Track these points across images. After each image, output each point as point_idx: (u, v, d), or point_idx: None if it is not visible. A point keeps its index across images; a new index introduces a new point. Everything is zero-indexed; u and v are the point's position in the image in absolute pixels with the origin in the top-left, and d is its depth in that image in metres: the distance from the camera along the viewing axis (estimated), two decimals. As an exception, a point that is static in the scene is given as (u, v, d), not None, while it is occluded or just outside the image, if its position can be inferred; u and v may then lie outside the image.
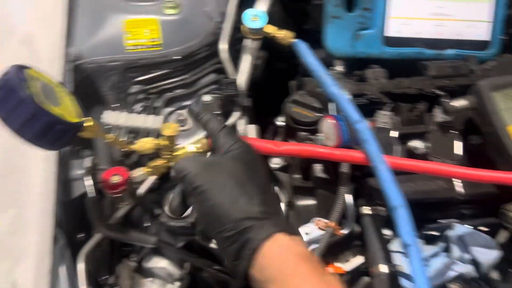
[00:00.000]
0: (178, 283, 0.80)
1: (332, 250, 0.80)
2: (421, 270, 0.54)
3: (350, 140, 0.73)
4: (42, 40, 0.77)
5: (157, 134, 0.76)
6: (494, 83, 0.75)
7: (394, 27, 0.90)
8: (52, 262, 0.68)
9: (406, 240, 0.57)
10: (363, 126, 0.70)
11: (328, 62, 0.93)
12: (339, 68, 0.91)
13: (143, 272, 0.82)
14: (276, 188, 0.90)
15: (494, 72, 0.83)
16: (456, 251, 0.69)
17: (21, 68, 0.51)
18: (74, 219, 0.78)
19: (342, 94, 0.74)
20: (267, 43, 0.90)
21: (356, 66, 0.93)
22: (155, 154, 0.71)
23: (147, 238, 0.73)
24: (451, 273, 0.69)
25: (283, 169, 0.88)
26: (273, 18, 0.99)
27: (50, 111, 0.50)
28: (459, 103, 0.76)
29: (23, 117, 0.48)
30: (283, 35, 0.81)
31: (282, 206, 0.87)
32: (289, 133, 0.85)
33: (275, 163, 0.88)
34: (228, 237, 0.48)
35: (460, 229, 0.72)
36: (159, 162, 0.71)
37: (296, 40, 0.81)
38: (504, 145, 0.71)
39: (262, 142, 0.74)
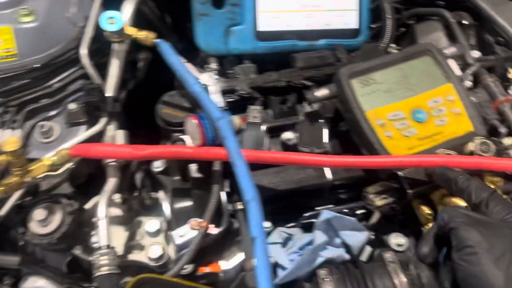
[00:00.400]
0: (56, 302, 0.77)
1: (216, 249, 0.80)
2: (265, 264, 0.55)
3: (215, 138, 0.73)
4: None
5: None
6: (352, 70, 0.77)
7: (265, 21, 0.91)
8: None
9: (253, 233, 0.57)
10: (223, 123, 0.69)
11: (204, 61, 0.94)
12: (213, 65, 0.90)
13: (18, 294, 0.78)
14: (160, 193, 0.89)
15: (359, 59, 0.85)
16: (320, 237, 0.70)
17: None
18: None
19: (203, 93, 0.73)
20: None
21: (234, 63, 0.94)
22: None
23: (9, 259, 0.70)
24: (319, 259, 0.71)
25: (164, 171, 0.87)
26: (145, 18, 0.98)
27: None
28: (320, 92, 0.77)
29: None
30: (145, 36, 0.79)
31: (167, 210, 0.86)
32: (164, 135, 0.84)
33: (156, 166, 0.87)
34: None
35: (325, 215, 0.73)
36: (12, 179, 0.68)
37: (158, 40, 0.80)
38: (363, 130, 0.73)
39: (123, 147, 0.72)
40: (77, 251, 0.79)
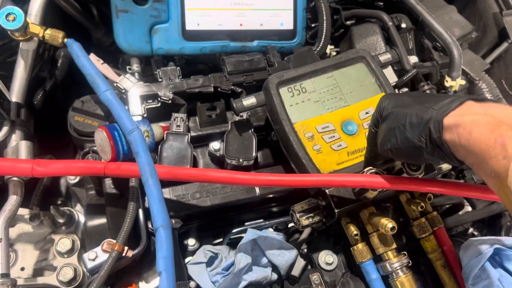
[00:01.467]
0: None
1: (135, 269, 0.74)
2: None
3: (129, 152, 0.66)
4: None
5: None
6: (282, 78, 0.72)
7: (194, 19, 0.84)
8: None
9: (159, 267, 0.51)
10: (135, 136, 0.62)
11: (125, 61, 0.86)
12: (135, 67, 0.83)
13: None
14: (78, 206, 0.81)
15: (291, 64, 0.80)
16: (242, 260, 0.65)
17: None
18: None
19: (115, 101, 0.66)
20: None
21: (161, 63, 0.86)
22: None
23: None
24: (243, 283, 0.66)
25: (80, 183, 0.80)
26: (63, 12, 0.88)
27: None
28: (247, 101, 0.72)
29: None
30: (50, 35, 0.70)
31: (80, 225, 0.79)
32: (78, 144, 0.76)
33: (72, 178, 0.79)
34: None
35: (249, 235, 0.68)
36: None
37: (69, 40, 0.71)
38: (291, 142, 0.68)
39: (20, 163, 0.64)
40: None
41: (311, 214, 0.65)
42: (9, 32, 0.70)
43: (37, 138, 0.80)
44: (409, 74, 0.84)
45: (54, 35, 0.71)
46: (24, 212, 0.77)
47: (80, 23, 0.97)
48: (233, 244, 0.75)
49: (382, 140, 0.56)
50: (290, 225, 0.81)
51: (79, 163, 0.64)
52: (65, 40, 0.71)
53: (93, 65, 0.69)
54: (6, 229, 0.64)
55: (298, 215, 0.65)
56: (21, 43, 0.75)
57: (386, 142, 0.55)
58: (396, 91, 0.84)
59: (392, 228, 0.60)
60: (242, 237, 0.73)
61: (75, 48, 0.71)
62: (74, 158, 0.96)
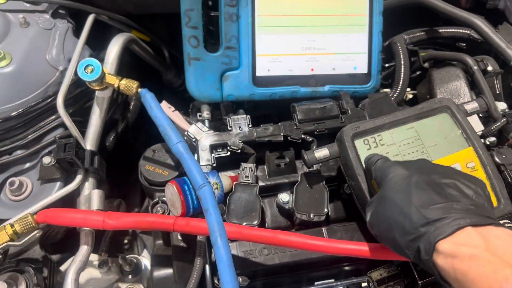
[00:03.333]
0: None
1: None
2: None
3: (198, 206, 0.64)
4: None
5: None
6: (357, 130, 0.67)
7: (264, 66, 0.83)
8: None
9: None
10: (205, 192, 0.61)
11: (196, 108, 0.86)
12: (206, 114, 0.82)
13: None
14: (145, 252, 0.81)
15: (366, 112, 0.76)
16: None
17: None
18: None
19: (186, 154, 0.65)
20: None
21: (231, 109, 0.86)
22: None
23: None
24: None
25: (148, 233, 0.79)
26: (137, 57, 0.91)
27: None
28: (320, 153, 0.68)
29: None
30: (125, 86, 0.71)
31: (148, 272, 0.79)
32: (147, 194, 0.76)
33: (140, 225, 0.79)
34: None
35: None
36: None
37: (142, 90, 0.72)
38: (367, 200, 0.63)
39: (92, 215, 0.64)
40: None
41: (391, 283, 0.60)
42: (86, 82, 0.72)
43: (107, 178, 0.82)
44: (498, 124, 0.76)
45: (129, 86, 0.71)
46: (93, 258, 0.78)
47: (149, 67, 1.00)
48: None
49: (370, 220, 0.55)
50: (363, 285, 0.75)
51: (149, 217, 0.64)
52: (139, 90, 0.72)
53: (165, 116, 0.69)
54: (76, 281, 0.65)
55: (375, 283, 0.60)
56: (97, 92, 0.78)
57: (373, 225, 0.55)
58: (482, 141, 0.76)
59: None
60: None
61: (149, 99, 0.71)
62: (141, 198, 0.97)
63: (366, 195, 0.64)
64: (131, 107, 0.94)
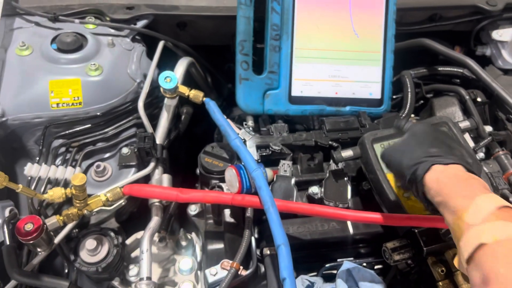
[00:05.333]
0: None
1: (242, 290, 0.87)
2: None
3: (250, 187, 0.82)
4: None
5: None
6: (375, 136, 0.86)
7: (298, 88, 1.02)
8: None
9: (283, 274, 0.65)
10: (258, 174, 0.79)
11: (242, 118, 1.05)
12: (250, 123, 1.01)
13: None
14: (193, 234, 0.97)
15: (380, 126, 0.95)
16: (341, 284, 0.77)
17: None
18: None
19: (242, 146, 0.83)
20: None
21: (268, 122, 1.04)
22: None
23: (60, 283, 0.77)
24: (340, 306, 0.77)
25: (200, 214, 0.96)
26: (193, 78, 1.11)
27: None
28: (346, 153, 0.87)
29: None
30: (194, 94, 0.91)
31: (198, 250, 0.94)
32: (203, 181, 0.93)
33: (193, 210, 0.96)
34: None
35: (346, 265, 0.80)
36: (71, 210, 0.77)
37: (206, 99, 0.91)
38: (385, 189, 0.81)
39: (169, 190, 0.81)
40: (115, 283, 0.87)
41: (402, 251, 0.77)
42: (162, 90, 0.92)
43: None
44: (485, 141, 0.95)
45: (197, 95, 0.91)
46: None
47: (199, 88, 1.20)
48: (325, 277, 0.87)
49: (384, 151, 0.78)
50: (376, 267, 0.91)
51: (213, 193, 0.81)
52: (204, 99, 0.92)
53: (225, 119, 0.88)
54: (150, 243, 0.81)
55: (390, 250, 0.77)
56: (166, 99, 0.97)
57: (386, 154, 0.77)
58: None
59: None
60: (334, 273, 0.85)
61: (212, 105, 0.90)
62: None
63: (383, 185, 0.81)
64: (182, 119, 1.13)
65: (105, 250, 0.81)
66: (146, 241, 0.80)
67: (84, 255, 0.80)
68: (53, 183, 0.85)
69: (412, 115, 1.12)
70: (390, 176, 0.82)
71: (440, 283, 0.75)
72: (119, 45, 1.00)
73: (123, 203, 0.83)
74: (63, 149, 0.90)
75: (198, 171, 0.99)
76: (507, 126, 1.00)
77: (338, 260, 0.88)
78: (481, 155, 0.98)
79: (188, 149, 1.15)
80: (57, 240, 0.80)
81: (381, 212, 0.77)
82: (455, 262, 0.73)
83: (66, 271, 0.88)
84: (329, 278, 0.87)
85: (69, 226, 0.82)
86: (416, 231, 0.76)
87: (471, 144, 0.97)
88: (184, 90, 0.91)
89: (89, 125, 0.92)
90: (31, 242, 0.74)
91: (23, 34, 0.98)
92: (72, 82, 0.91)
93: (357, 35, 1.03)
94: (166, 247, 0.93)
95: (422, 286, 0.85)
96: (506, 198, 0.88)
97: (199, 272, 0.92)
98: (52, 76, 0.91)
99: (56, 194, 0.72)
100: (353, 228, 0.86)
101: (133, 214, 0.96)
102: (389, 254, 0.76)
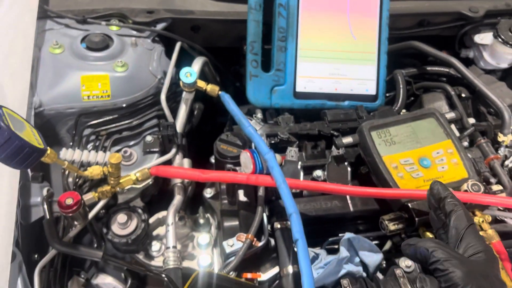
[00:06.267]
0: (122, 295, 0.93)
1: (253, 261, 0.97)
2: (306, 258, 0.72)
3: (262, 169, 0.92)
4: (11, 90, 0.93)
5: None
6: (372, 125, 0.98)
7: (302, 84, 1.14)
8: (10, 274, 0.80)
9: (295, 236, 0.75)
10: (270, 157, 0.89)
11: (251, 111, 1.16)
12: (259, 115, 1.12)
13: (91, 287, 0.94)
14: (208, 215, 1.07)
15: (376, 118, 1.07)
16: (344, 251, 0.87)
17: None
18: (30, 241, 0.91)
19: (255, 133, 0.94)
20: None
21: (274, 115, 1.16)
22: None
23: (95, 253, 0.86)
24: (342, 271, 0.87)
25: (215, 197, 1.06)
26: (206, 76, 1.22)
27: (21, 137, 0.66)
28: (346, 140, 0.98)
29: (0, 141, 0.64)
30: (210, 88, 1.02)
31: (213, 229, 1.04)
32: (219, 166, 1.04)
33: (208, 192, 1.06)
34: None
35: (348, 235, 0.91)
36: (105, 188, 0.87)
37: (221, 92, 1.02)
38: (381, 170, 0.92)
39: (191, 171, 0.92)
40: (140, 256, 0.96)
41: (397, 222, 0.88)
42: (182, 84, 1.02)
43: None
44: (468, 130, 1.07)
45: (213, 88, 1.02)
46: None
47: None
48: (328, 251, 0.98)
49: None
50: (373, 242, 1.02)
51: (230, 174, 0.92)
52: (220, 92, 1.03)
53: (239, 110, 0.99)
54: (174, 217, 0.91)
55: (386, 221, 0.88)
56: (184, 93, 1.07)
57: None
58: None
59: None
60: (336, 248, 0.96)
61: (227, 98, 1.01)
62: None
63: (379, 166, 0.93)
64: (195, 114, 1.24)
65: (134, 224, 0.91)
66: (171, 216, 0.91)
67: (116, 228, 0.90)
68: (85, 166, 0.95)
69: (404, 110, 1.24)
70: (385, 159, 0.94)
71: (430, 249, 0.86)
72: (141, 45, 1.11)
73: (150, 183, 0.93)
74: (93, 137, 1.00)
75: (212, 159, 1.10)
76: (488, 118, 1.13)
77: (340, 234, 0.99)
78: (465, 143, 1.10)
79: (198, 143, 1.25)
80: (91, 215, 0.90)
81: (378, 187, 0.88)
82: None
83: (95, 246, 0.98)
84: (332, 252, 0.98)
85: (101, 204, 0.92)
86: (409, 204, 0.87)
87: (457, 133, 1.09)
88: (202, 84, 1.02)
89: (116, 116, 1.02)
90: (71, 215, 0.83)
91: (54, 34, 1.09)
92: (101, 77, 1.01)
93: (354, 37, 1.15)
94: (185, 226, 1.02)
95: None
96: (487, 180, 1.00)
97: (214, 249, 1.02)
98: (83, 72, 1.01)
99: (95, 171, 0.82)
100: (352, 206, 0.97)
101: (154, 198, 1.07)
102: (386, 224, 0.87)
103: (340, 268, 0.88)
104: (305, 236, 0.95)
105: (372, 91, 1.17)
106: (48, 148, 0.74)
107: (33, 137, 0.71)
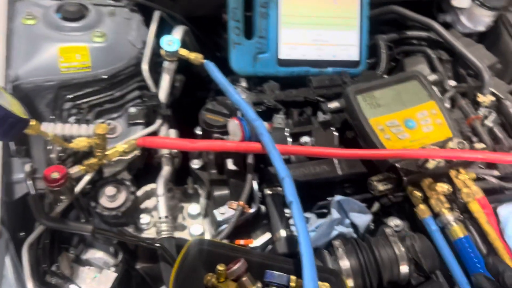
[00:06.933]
0: (113, 268, 0.92)
1: (245, 229, 0.97)
2: (302, 220, 0.73)
3: (251, 136, 0.92)
4: (-16, 63, 0.89)
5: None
6: (357, 89, 0.98)
7: (285, 51, 1.13)
8: (-2, 252, 0.78)
9: (289, 198, 0.75)
10: (259, 124, 0.89)
11: (235, 80, 1.14)
12: (243, 84, 1.11)
13: (81, 262, 0.93)
14: (196, 186, 1.06)
15: (360, 82, 1.07)
16: (335, 213, 0.89)
17: (-23, 76, 0.65)
18: (15, 218, 0.88)
19: (242, 100, 0.93)
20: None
21: (258, 83, 1.14)
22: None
23: (85, 227, 0.84)
24: (334, 232, 0.89)
25: (202, 168, 1.05)
26: (187, 46, 1.19)
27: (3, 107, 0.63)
28: (332, 104, 0.98)
29: (-17, 112, 0.61)
30: (194, 57, 1.00)
31: (201, 200, 1.04)
32: (205, 136, 1.03)
33: (195, 163, 1.05)
34: None
35: (338, 197, 0.92)
36: (92, 160, 0.85)
37: (206, 61, 1.00)
38: (368, 133, 0.94)
39: (179, 140, 0.91)
40: (130, 229, 0.95)
41: (385, 182, 0.89)
42: (164, 53, 1.00)
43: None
44: (450, 92, 1.09)
45: (197, 57, 1.00)
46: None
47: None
48: (318, 215, 0.99)
49: None
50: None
51: (219, 142, 0.91)
52: (203, 60, 1.01)
53: (224, 78, 0.98)
54: (164, 188, 0.90)
55: (375, 182, 0.89)
56: (165, 63, 1.05)
57: None
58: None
59: (448, 189, 0.83)
60: (325, 212, 0.97)
61: (211, 66, 1.00)
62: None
63: (366, 129, 0.93)
64: (177, 86, 1.21)
65: (123, 196, 0.89)
66: (160, 187, 0.90)
67: (104, 201, 0.88)
68: (68, 139, 0.93)
69: (385, 76, 1.25)
70: (372, 122, 0.95)
71: (418, 207, 0.88)
72: (119, 14, 1.07)
73: (138, 154, 0.92)
74: (74, 111, 0.97)
75: (197, 130, 1.08)
76: (467, 80, 1.15)
77: (328, 198, 1.00)
78: (447, 105, 1.12)
79: (179, 116, 1.22)
80: (78, 188, 0.88)
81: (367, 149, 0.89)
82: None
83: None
84: (321, 216, 0.99)
85: (88, 177, 0.90)
86: (396, 164, 0.89)
87: (439, 95, 1.11)
88: (184, 53, 1.00)
89: (97, 88, 0.99)
90: (57, 189, 0.81)
91: (26, 5, 1.03)
92: (80, 48, 0.97)
93: (335, 2, 1.15)
94: (173, 198, 1.01)
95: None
96: (469, 139, 1.02)
97: (204, 219, 1.01)
98: (59, 43, 0.97)
99: (81, 143, 0.80)
100: (340, 170, 0.98)
101: (139, 171, 1.05)
102: (374, 185, 0.89)
103: (332, 230, 0.89)
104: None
105: (355, 57, 1.17)
106: (32, 119, 0.71)
107: (15, 107, 0.68)
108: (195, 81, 1.31)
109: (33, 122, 0.71)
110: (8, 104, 0.66)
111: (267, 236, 0.94)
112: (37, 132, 0.71)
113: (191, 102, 1.22)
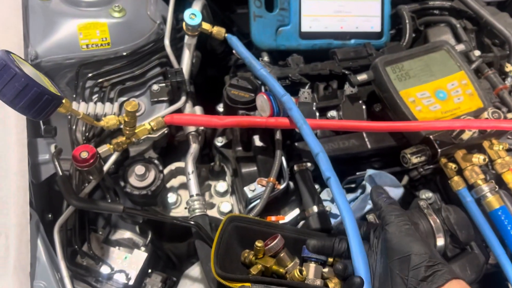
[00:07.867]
0: (143, 248, 0.91)
1: (274, 205, 0.96)
2: (343, 195, 0.71)
3: (279, 111, 0.90)
4: (2, 41, 0.86)
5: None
6: (386, 60, 0.96)
7: (307, 24, 1.10)
8: (30, 233, 0.76)
9: (326, 174, 0.74)
10: (287, 98, 0.86)
11: (256, 55, 1.11)
12: (266, 58, 1.08)
13: (110, 243, 0.92)
14: (222, 164, 1.05)
15: (385, 54, 1.04)
16: (369, 187, 0.87)
17: (8, 52, 0.62)
18: (43, 201, 0.87)
19: (269, 75, 0.91)
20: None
21: (280, 57, 1.11)
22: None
23: (116, 207, 0.83)
24: (368, 207, 0.88)
25: (226, 145, 1.03)
26: (204, 20, 1.15)
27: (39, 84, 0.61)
28: (361, 77, 0.96)
29: (17, 88, 0.59)
30: (217, 31, 0.96)
31: (227, 177, 1.02)
32: (229, 113, 1.00)
33: (219, 141, 1.03)
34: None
35: (369, 172, 0.90)
36: (120, 139, 0.83)
37: (228, 34, 0.97)
38: (399, 105, 0.91)
39: (207, 117, 0.88)
40: (158, 209, 0.94)
41: (419, 154, 0.88)
42: (186, 27, 0.97)
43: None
44: (476, 62, 1.07)
45: (219, 30, 0.97)
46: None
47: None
48: (347, 190, 0.98)
49: None
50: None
51: (247, 118, 0.89)
52: (226, 34, 0.98)
53: (248, 52, 0.95)
54: (194, 165, 0.88)
55: (408, 155, 0.88)
56: (186, 38, 1.01)
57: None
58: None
59: (484, 159, 0.82)
60: (353, 187, 0.96)
61: (234, 40, 0.97)
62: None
63: (397, 101, 0.91)
64: (194, 62, 1.18)
65: (152, 175, 0.88)
66: (190, 164, 0.88)
67: (133, 180, 0.87)
68: (93, 118, 0.90)
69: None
70: (402, 93, 0.93)
71: (452, 179, 0.87)
72: (137, -10, 1.03)
73: (166, 132, 0.89)
74: (96, 89, 0.95)
75: (219, 107, 1.06)
76: (493, 49, 1.12)
77: (358, 173, 0.99)
78: (473, 76, 1.09)
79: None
80: (106, 167, 0.86)
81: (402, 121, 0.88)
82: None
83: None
84: (350, 191, 0.98)
85: (115, 156, 0.88)
86: (430, 136, 0.87)
87: (467, 65, 1.09)
88: (207, 26, 0.97)
89: (118, 65, 0.96)
90: (86, 169, 0.79)
91: (39, -19, 1.00)
92: (99, 24, 0.94)
93: (358, -28, 1.11)
94: (200, 175, 1.00)
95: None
96: (498, 109, 1.00)
97: (231, 196, 1.00)
98: (78, 19, 0.94)
99: (111, 121, 0.77)
100: (370, 144, 0.96)
101: (162, 150, 1.03)
102: (408, 158, 0.87)
103: (366, 204, 0.88)
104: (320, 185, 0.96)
105: (377, 28, 1.14)
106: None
107: (48, 83, 0.65)
108: (208, 59, 1.29)
109: (65, 100, 0.68)
110: (41, 81, 0.63)
111: (295, 212, 0.93)
112: (68, 111, 0.69)
113: (203, 80, 1.20)
